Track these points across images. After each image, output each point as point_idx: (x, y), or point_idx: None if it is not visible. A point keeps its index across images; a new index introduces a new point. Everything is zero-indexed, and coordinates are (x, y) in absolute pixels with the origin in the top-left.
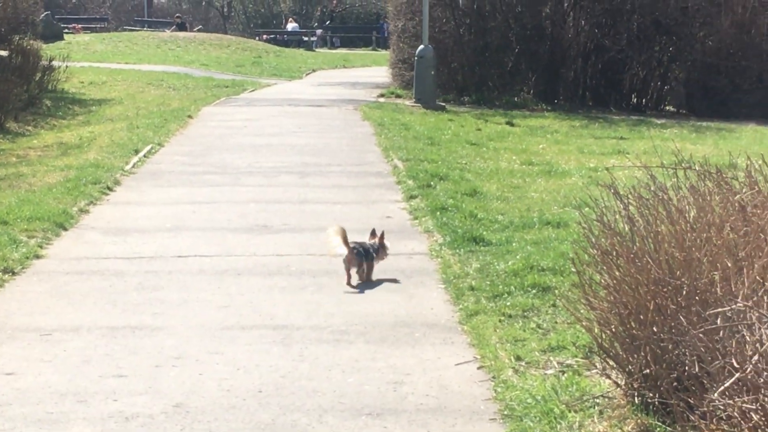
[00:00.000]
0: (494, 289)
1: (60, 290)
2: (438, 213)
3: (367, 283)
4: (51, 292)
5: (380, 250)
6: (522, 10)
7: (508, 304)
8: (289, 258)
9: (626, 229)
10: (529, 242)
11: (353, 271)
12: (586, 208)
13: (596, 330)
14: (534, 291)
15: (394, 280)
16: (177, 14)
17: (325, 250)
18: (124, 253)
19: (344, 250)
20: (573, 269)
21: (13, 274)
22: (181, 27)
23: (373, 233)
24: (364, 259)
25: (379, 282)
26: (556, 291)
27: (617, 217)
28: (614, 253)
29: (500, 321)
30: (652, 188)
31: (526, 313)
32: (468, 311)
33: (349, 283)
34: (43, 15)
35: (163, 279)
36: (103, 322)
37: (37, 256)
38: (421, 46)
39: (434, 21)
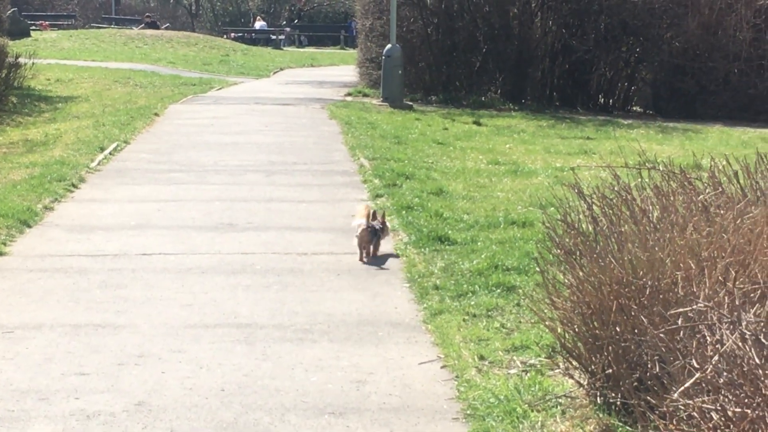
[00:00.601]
0: (459, 288)
1: (23, 288)
2: (403, 212)
3: (331, 281)
4: (14, 289)
5: (384, 229)
6: (490, 9)
7: (473, 303)
8: (254, 256)
9: (590, 228)
10: (494, 242)
11: (365, 247)
12: (551, 208)
13: (559, 330)
14: (498, 290)
15: (358, 275)
16: (147, 13)
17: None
18: (88, 250)
19: (362, 224)
20: (537, 269)
21: None
22: (152, 26)
23: (374, 215)
24: (374, 236)
25: (344, 280)
26: (521, 290)
27: (581, 216)
28: (578, 253)
29: (464, 320)
30: (616, 188)
31: (490, 313)
32: (432, 310)
33: (361, 260)
34: (9, 12)
35: (126, 277)
36: (66, 319)
37: (0, 254)
38: (389, 45)
39: (402, 20)
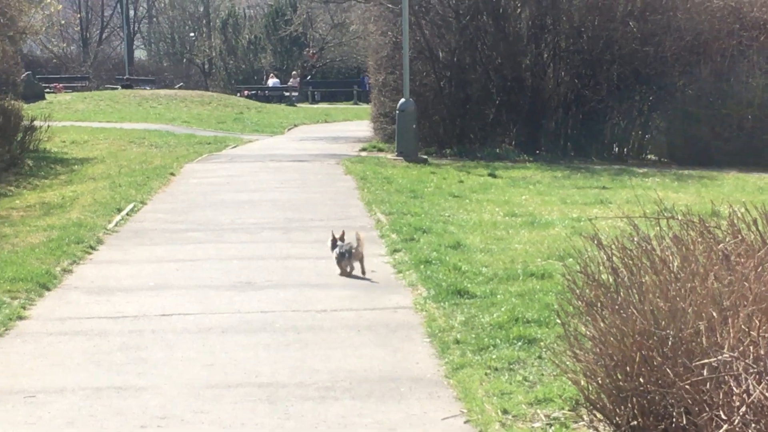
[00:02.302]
0: (480, 342)
1: (44, 351)
2: (422, 266)
3: (352, 338)
4: (34, 353)
5: (358, 245)
6: (502, 62)
7: (494, 356)
8: (273, 315)
9: (610, 280)
10: (513, 294)
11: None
12: (570, 259)
13: (583, 382)
14: (519, 343)
15: (378, 331)
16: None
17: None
18: (108, 312)
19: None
20: (558, 321)
21: None
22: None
23: (342, 238)
24: (343, 258)
25: (364, 337)
26: (542, 343)
27: (601, 268)
28: (599, 305)
29: (486, 374)
30: (636, 239)
31: (512, 366)
32: (454, 365)
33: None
34: (24, 75)
35: (146, 338)
36: (87, 382)
37: (21, 317)
38: (402, 100)
39: (415, 74)
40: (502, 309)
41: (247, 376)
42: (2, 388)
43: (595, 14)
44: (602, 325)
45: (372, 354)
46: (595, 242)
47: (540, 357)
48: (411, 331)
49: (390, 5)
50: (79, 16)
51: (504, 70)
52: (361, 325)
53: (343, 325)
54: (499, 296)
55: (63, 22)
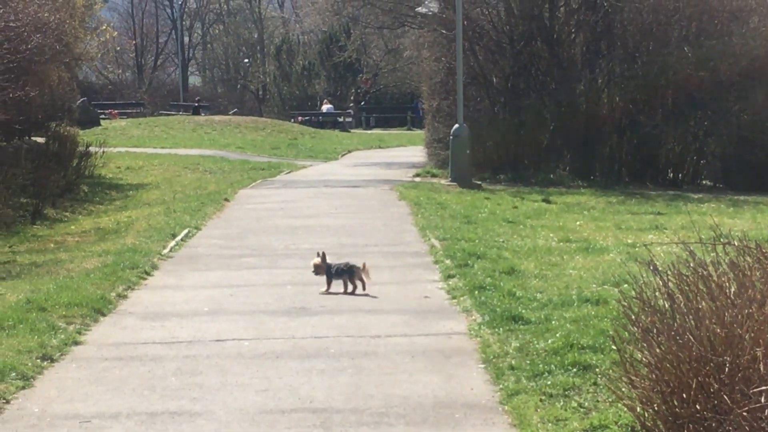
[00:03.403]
0: (534, 368)
1: (99, 376)
2: (476, 292)
3: (406, 363)
4: (90, 378)
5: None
6: (556, 87)
7: (549, 383)
8: (327, 340)
9: (666, 306)
10: (568, 320)
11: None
12: (625, 285)
13: (639, 409)
14: (575, 369)
15: (432, 357)
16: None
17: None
18: (162, 338)
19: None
20: (613, 347)
21: (52, 360)
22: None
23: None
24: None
25: (418, 362)
26: (597, 369)
27: (657, 293)
28: (655, 331)
29: (541, 400)
30: (692, 264)
31: (567, 392)
32: (508, 391)
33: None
34: (79, 101)
35: (201, 363)
36: (142, 408)
37: (76, 342)
38: (456, 125)
39: (468, 100)
40: (557, 335)
41: (301, 401)
42: (58, 413)
43: (650, 39)
44: (658, 351)
45: (426, 380)
46: (651, 268)
47: (595, 383)
48: (465, 357)
49: (444, 31)
50: (134, 42)
51: (558, 95)
52: (415, 351)
53: (397, 350)
54: (553, 322)
55: (118, 48)
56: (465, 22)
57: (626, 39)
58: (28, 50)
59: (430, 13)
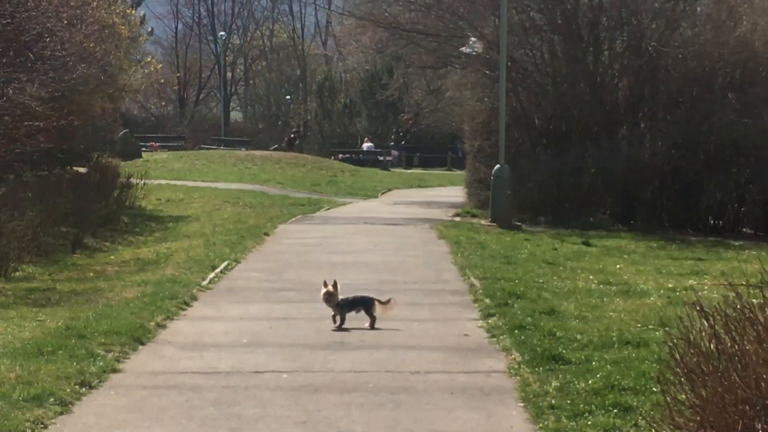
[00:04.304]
0: (575, 407)
1: (137, 404)
2: (516, 331)
3: (445, 400)
4: (128, 406)
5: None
6: (598, 130)
7: (590, 423)
8: (366, 375)
9: (712, 347)
10: (609, 361)
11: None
12: (667, 328)
13: None
14: (615, 410)
15: (472, 394)
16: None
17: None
18: (201, 368)
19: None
20: (655, 389)
21: (90, 387)
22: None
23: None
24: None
25: (458, 400)
26: (638, 411)
27: (702, 335)
28: (700, 372)
29: None
30: (738, 306)
31: None
32: (548, 430)
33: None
34: (121, 133)
35: (240, 394)
36: None
37: (114, 370)
38: (498, 166)
39: (510, 141)
40: (598, 376)
41: None
42: None
43: (694, 85)
44: (703, 392)
45: (466, 417)
46: (697, 308)
47: (636, 425)
48: (505, 395)
49: (487, 71)
50: (177, 75)
51: (600, 138)
52: (454, 388)
53: (436, 387)
54: (594, 363)
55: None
56: (509, 63)
57: (670, 84)
58: (73, 80)
59: (474, 53)
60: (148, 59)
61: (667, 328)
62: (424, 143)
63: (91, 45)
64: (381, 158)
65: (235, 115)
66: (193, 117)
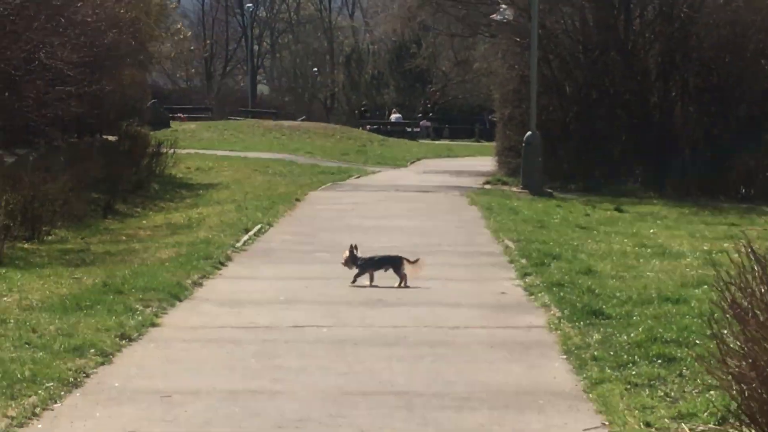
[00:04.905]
0: (618, 359)
1: (177, 356)
2: (554, 288)
3: (486, 353)
4: (168, 357)
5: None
6: (629, 98)
7: (634, 373)
8: (405, 329)
9: (763, 291)
10: (649, 316)
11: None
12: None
13: (734, 390)
14: (659, 361)
15: (512, 347)
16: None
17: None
18: (240, 323)
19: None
20: (699, 342)
21: (130, 340)
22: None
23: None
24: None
25: (498, 353)
26: (682, 362)
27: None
28: (751, 312)
29: (626, 389)
30: None
31: (652, 382)
32: (592, 380)
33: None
34: (150, 102)
35: (280, 347)
36: (222, 385)
37: (153, 324)
38: (529, 133)
39: (541, 109)
40: (640, 329)
41: (382, 385)
42: (138, 387)
43: (726, 52)
44: (754, 333)
45: (507, 368)
46: (749, 252)
47: (681, 375)
48: (546, 348)
49: (517, 39)
50: (205, 44)
51: (631, 106)
52: (494, 342)
53: (476, 341)
54: (635, 318)
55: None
56: (539, 31)
57: (702, 51)
58: (104, 45)
59: (505, 20)
60: (179, 25)
61: (717, 269)
62: (451, 115)
63: (122, 11)
64: (409, 129)
65: (262, 88)
66: (220, 90)
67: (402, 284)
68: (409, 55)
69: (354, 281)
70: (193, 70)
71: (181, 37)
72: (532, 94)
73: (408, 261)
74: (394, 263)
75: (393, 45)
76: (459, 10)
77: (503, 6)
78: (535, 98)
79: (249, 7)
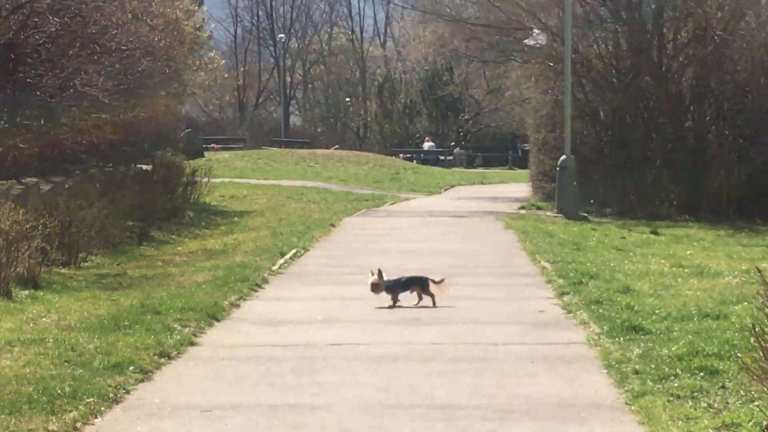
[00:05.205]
0: (659, 371)
1: (216, 373)
2: (593, 306)
3: (526, 368)
4: (207, 374)
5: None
6: (663, 121)
7: (676, 385)
8: (444, 346)
9: None
10: (690, 332)
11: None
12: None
13: None
14: (701, 374)
15: (552, 362)
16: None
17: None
18: (278, 341)
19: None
20: (741, 354)
21: (169, 358)
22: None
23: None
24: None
25: (539, 367)
26: (725, 375)
27: None
28: None
29: (669, 401)
30: None
31: (695, 394)
32: (634, 392)
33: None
34: (184, 132)
35: (318, 364)
36: (262, 400)
37: (192, 343)
38: (563, 157)
39: (575, 133)
40: (680, 343)
41: (422, 398)
42: (178, 403)
43: (761, 74)
44: None
45: (548, 382)
46: None
47: (723, 387)
48: (586, 363)
49: (551, 64)
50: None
51: (666, 130)
52: (534, 357)
53: (515, 356)
54: (675, 333)
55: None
56: (573, 55)
57: (736, 74)
58: (138, 72)
59: (538, 45)
60: (212, 54)
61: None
62: (484, 143)
63: (156, 39)
64: (442, 158)
65: (294, 120)
66: (253, 120)
67: (431, 304)
68: (441, 82)
69: (394, 304)
70: (227, 98)
71: (215, 65)
72: (566, 118)
73: (433, 281)
74: (421, 284)
75: (425, 74)
76: (491, 36)
77: (536, 31)
78: (569, 123)
79: (281, 38)
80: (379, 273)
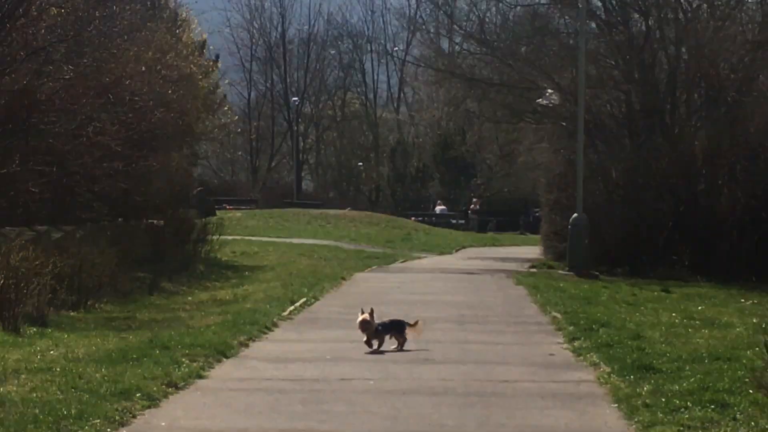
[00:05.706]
0: (670, 404)
1: (224, 402)
2: (603, 348)
3: (536, 402)
4: (215, 403)
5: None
6: (675, 182)
7: (686, 416)
8: (453, 382)
9: None
10: (700, 372)
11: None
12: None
13: None
14: (712, 406)
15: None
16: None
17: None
18: (287, 376)
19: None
20: (751, 390)
21: (177, 388)
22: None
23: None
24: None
25: (549, 401)
26: (735, 408)
27: None
28: None
29: (680, 431)
30: None
31: (705, 425)
32: (644, 423)
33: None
34: (196, 191)
35: (327, 396)
36: (270, 426)
37: (200, 377)
38: (575, 215)
39: (587, 193)
40: (691, 380)
41: (431, 426)
42: (186, 427)
43: None
44: None
45: (558, 414)
46: None
47: (734, 419)
48: (596, 398)
49: (563, 123)
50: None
51: (678, 191)
52: (544, 393)
53: (526, 393)
54: (686, 372)
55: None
56: (586, 115)
57: (748, 135)
58: (152, 123)
59: (551, 105)
60: (226, 108)
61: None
62: (496, 207)
63: (170, 92)
64: (453, 221)
65: (306, 184)
66: (265, 183)
67: (399, 347)
68: (454, 143)
69: (377, 347)
70: (239, 161)
71: (228, 120)
72: (579, 178)
73: (408, 325)
74: (399, 328)
75: (438, 138)
76: (504, 97)
77: (549, 90)
78: (582, 181)
79: (295, 101)
80: (371, 313)
